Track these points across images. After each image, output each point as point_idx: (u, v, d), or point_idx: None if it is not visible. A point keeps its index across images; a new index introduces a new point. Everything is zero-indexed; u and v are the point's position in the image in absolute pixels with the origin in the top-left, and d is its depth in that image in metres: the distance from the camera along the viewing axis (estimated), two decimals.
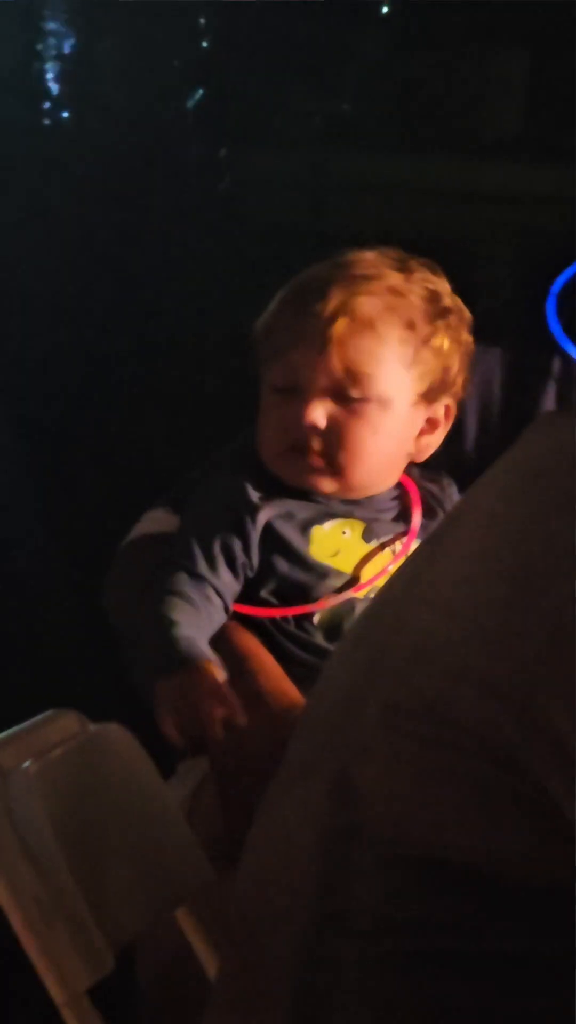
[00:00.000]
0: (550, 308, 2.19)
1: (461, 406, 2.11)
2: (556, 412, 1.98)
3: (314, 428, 1.95)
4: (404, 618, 1.43)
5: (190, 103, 10.24)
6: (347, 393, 1.96)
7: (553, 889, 1.28)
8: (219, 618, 1.93)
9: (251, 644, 1.94)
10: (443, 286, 2.06)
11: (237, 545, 1.92)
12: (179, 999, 1.81)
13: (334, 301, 1.96)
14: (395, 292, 1.97)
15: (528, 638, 1.30)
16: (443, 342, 1.99)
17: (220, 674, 1.85)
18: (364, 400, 1.95)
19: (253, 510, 1.95)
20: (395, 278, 1.99)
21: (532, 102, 9.41)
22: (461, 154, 9.27)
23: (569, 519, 1.31)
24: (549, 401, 2.13)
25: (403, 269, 2.01)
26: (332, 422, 1.95)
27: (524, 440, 1.48)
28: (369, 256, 2.03)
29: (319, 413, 1.95)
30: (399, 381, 1.96)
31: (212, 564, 1.93)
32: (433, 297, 2.00)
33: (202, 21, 10.79)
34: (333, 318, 1.95)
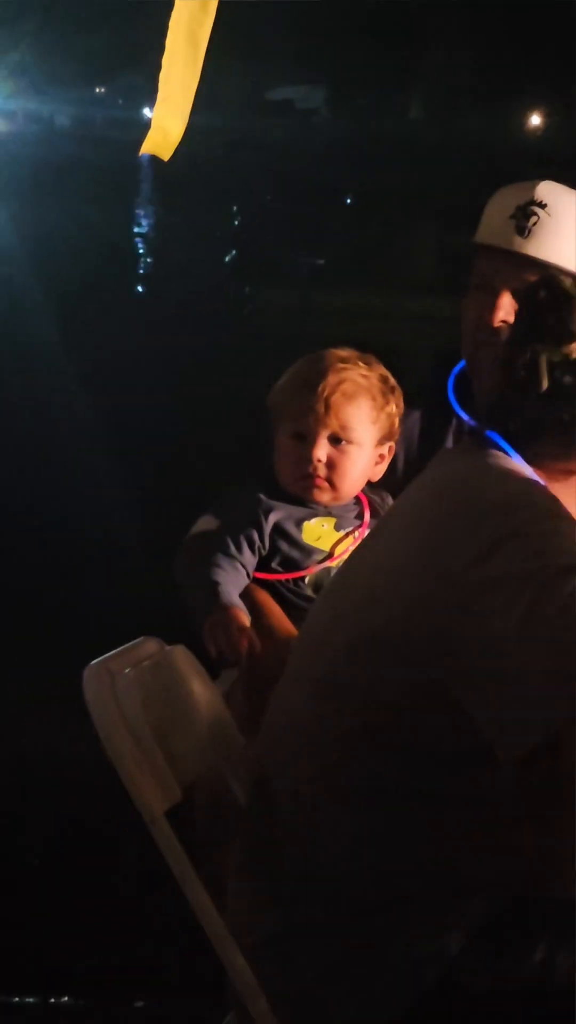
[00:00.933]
0: (450, 388, 2.72)
1: (395, 446, 2.64)
2: (449, 449, 2.44)
3: (320, 461, 2.56)
4: (357, 579, 1.87)
5: (227, 259, 15.48)
6: (339, 439, 2.56)
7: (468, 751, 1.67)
8: (244, 581, 2.49)
9: (265, 598, 2.50)
10: (389, 376, 2.64)
11: (255, 534, 2.55)
12: (221, 820, 2.14)
13: (330, 383, 2.57)
14: (364, 377, 2.58)
15: (436, 590, 1.70)
16: (392, 407, 2.60)
17: (245, 617, 2.40)
18: (349, 443, 2.56)
19: (267, 511, 2.55)
20: (363, 368, 2.59)
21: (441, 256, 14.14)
22: (399, 290, 13.96)
23: (461, 518, 1.73)
24: (450, 444, 2.68)
25: (366, 363, 2.59)
26: (330, 458, 2.56)
27: (431, 467, 1.94)
28: (343, 354, 2.60)
29: (323, 452, 2.56)
30: (368, 431, 2.58)
31: (239, 548, 2.52)
32: (384, 380, 2.61)
33: (235, 208, 17.04)
34: (332, 394, 2.58)
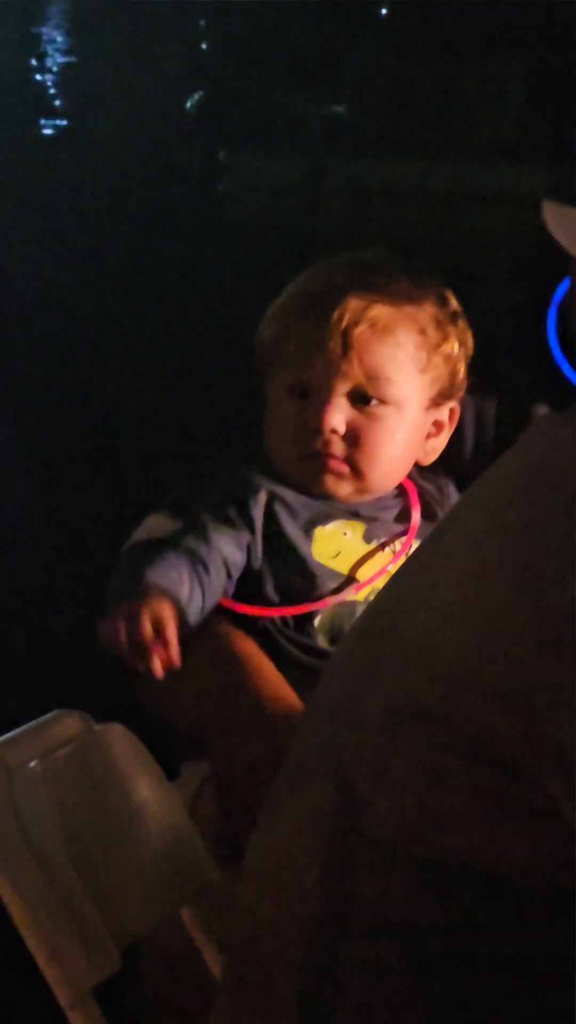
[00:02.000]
0: (551, 322, 2.10)
1: (461, 412, 2.02)
2: (555, 415, 1.95)
3: (336, 432, 1.87)
4: (403, 620, 1.40)
5: (188, 105, 10.08)
6: (366, 396, 1.88)
7: (553, 892, 1.25)
8: (206, 598, 1.82)
9: (250, 649, 1.83)
10: (449, 292, 2.00)
11: (238, 519, 1.85)
12: (183, 998, 1.79)
13: (352, 307, 1.89)
14: (409, 298, 1.91)
15: (527, 642, 1.26)
16: (453, 347, 1.96)
17: (171, 608, 1.73)
18: (382, 403, 1.88)
19: (261, 497, 1.88)
20: (406, 284, 1.93)
21: (528, 105, 9.30)
22: (458, 157, 9.12)
23: (569, 521, 1.29)
24: (542, 411, 2.06)
25: (412, 274, 1.94)
26: (352, 426, 1.86)
27: (524, 442, 1.45)
28: (377, 260, 1.96)
29: (339, 417, 1.87)
30: (414, 385, 1.90)
31: (205, 539, 1.82)
32: (443, 303, 1.95)
33: (201, 23, 10.59)
34: (354, 324, 1.89)
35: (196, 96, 10.26)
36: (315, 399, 1.87)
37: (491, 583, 1.31)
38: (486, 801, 1.26)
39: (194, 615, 1.78)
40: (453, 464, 2.03)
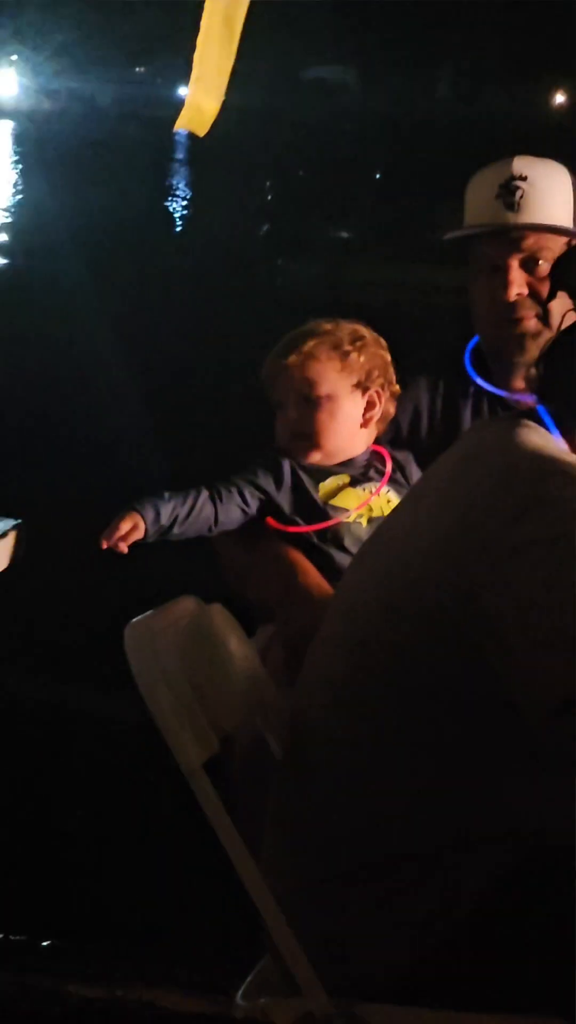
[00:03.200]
0: (467, 358, 2.63)
1: (398, 409, 2.57)
2: (483, 420, 2.39)
3: (295, 423, 2.49)
4: (392, 543, 1.85)
5: (260, 232, 16.41)
6: (309, 397, 2.49)
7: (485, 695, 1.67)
8: (235, 512, 2.43)
9: (295, 554, 2.40)
10: (364, 330, 2.54)
11: (269, 479, 2.46)
12: (257, 772, 2.08)
13: (294, 347, 2.49)
14: (325, 332, 2.50)
15: (461, 546, 1.70)
16: (364, 355, 2.49)
17: (137, 521, 2.36)
18: (318, 397, 2.48)
19: (286, 469, 2.48)
20: (327, 326, 2.50)
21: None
22: (418, 262, 13.15)
23: (488, 481, 1.72)
24: (468, 409, 2.61)
25: (333, 323, 2.52)
26: (303, 417, 2.49)
27: (464, 435, 1.93)
28: (316, 322, 2.53)
29: (295, 414, 2.48)
30: (337, 381, 2.47)
31: (241, 488, 2.45)
32: (353, 332, 2.51)
33: (268, 184, 18.48)
34: (296, 356, 2.49)
35: (265, 227, 16.98)
36: (284, 407, 2.50)
37: (441, 517, 1.76)
38: (434, 627, 1.70)
39: (166, 518, 2.38)
40: (414, 443, 2.59)
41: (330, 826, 1.79)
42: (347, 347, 2.49)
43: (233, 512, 2.47)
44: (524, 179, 2.47)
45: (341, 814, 1.79)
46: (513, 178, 2.47)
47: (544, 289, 2.45)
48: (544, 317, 2.47)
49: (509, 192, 2.47)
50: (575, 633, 1.60)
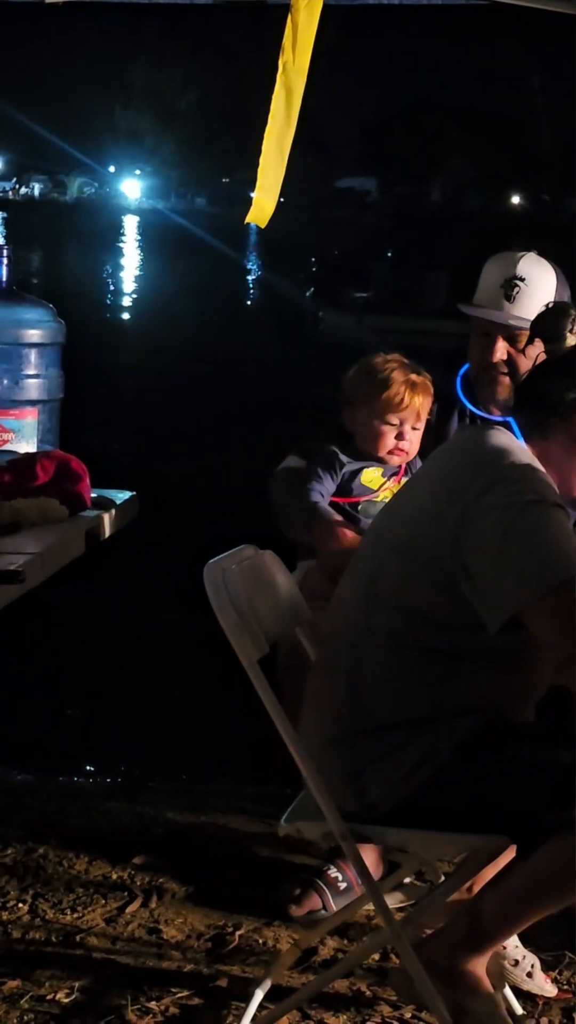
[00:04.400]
0: (458, 385, 2.54)
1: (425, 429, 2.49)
2: (466, 426, 2.45)
3: (408, 444, 2.37)
4: (400, 508, 1.89)
5: (307, 294, 17.20)
6: (415, 427, 2.40)
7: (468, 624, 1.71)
8: (326, 503, 2.33)
9: (338, 517, 2.34)
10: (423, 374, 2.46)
11: (333, 473, 2.35)
12: (298, 673, 2.03)
13: (402, 379, 2.34)
14: (420, 376, 2.37)
15: (452, 517, 1.74)
16: (427, 401, 2.40)
17: (338, 518, 2.30)
18: (416, 430, 2.39)
19: (341, 460, 2.37)
20: (426, 375, 2.37)
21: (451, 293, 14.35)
22: (428, 317, 14.51)
23: (469, 469, 1.77)
24: (455, 422, 2.54)
25: (412, 367, 2.40)
26: (411, 441, 2.39)
27: (453, 437, 2.08)
28: (404, 360, 2.41)
29: (409, 438, 2.38)
30: (422, 418, 2.41)
31: (322, 480, 2.35)
32: (425, 380, 2.39)
33: (312, 259, 20.64)
34: (423, 395, 2.34)
35: (311, 290, 18.16)
36: (401, 429, 2.36)
37: (435, 492, 1.80)
38: (435, 581, 1.73)
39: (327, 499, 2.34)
40: (421, 445, 2.46)
41: (346, 702, 1.80)
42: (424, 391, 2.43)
43: (331, 486, 2.43)
44: (523, 280, 2.44)
45: (354, 694, 1.80)
46: (515, 277, 2.44)
47: (519, 359, 2.43)
48: (514, 376, 2.44)
49: (510, 287, 2.44)
50: (520, 572, 1.66)
